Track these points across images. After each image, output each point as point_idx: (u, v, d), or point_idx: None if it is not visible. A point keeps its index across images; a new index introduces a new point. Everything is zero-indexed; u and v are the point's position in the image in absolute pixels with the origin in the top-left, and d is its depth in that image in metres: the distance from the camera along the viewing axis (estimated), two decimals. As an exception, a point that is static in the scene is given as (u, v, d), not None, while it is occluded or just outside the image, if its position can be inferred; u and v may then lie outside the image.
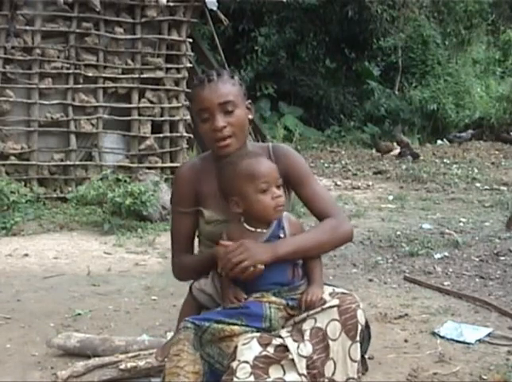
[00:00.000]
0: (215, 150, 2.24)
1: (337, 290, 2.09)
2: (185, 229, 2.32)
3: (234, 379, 1.89)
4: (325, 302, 2.02)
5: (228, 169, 2.14)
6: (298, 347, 1.95)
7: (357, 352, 1.98)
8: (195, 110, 2.25)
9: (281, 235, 2.12)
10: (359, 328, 1.98)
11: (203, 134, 2.23)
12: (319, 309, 2.02)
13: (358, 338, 1.98)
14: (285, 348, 1.96)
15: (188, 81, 8.26)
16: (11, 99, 7.34)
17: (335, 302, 2.00)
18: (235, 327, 1.99)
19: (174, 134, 8.11)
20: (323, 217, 2.22)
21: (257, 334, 1.98)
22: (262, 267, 2.03)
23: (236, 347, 1.94)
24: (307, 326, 2.00)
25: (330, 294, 2.06)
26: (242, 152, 2.20)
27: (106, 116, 7.77)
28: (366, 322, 2.08)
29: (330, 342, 1.96)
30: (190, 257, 2.34)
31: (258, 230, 2.12)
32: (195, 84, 2.26)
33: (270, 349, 1.94)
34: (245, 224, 2.13)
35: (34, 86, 7.41)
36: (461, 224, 6.56)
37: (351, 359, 1.97)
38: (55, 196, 7.43)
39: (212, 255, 2.15)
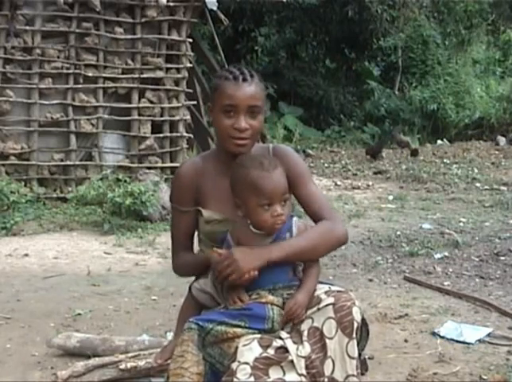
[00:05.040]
0: (227, 146, 2.20)
1: (333, 288, 2.09)
2: (184, 227, 2.31)
3: (234, 380, 1.88)
4: (321, 301, 2.02)
5: (239, 172, 2.10)
6: (297, 348, 1.95)
7: (354, 349, 1.97)
8: (219, 103, 2.18)
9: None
10: (355, 325, 1.97)
11: (220, 127, 2.19)
12: (315, 308, 2.02)
13: (354, 335, 1.97)
14: (285, 349, 1.95)
15: (187, 81, 8.27)
16: (11, 99, 7.34)
17: (331, 300, 2.00)
18: (238, 329, 1.98)
19: (174, 134, 8.10)
20: (318, 219, 2.20)
21: (258, 336, 1.98)
22: (255, 273, 2.01)
23: (237, 348, 1.94)
24: (305, 326, 2.00)
25: (325, 293, 2.05)
26: (259, 158, 2.14)
27: (106, 116, 7.77)
28: (364, 320, 2.08)
29: (327, 341, 1.96)
30: (190, 256, 2.33)
31: (263, 232, 2.10)
32: (226, 77, 2.18)
33: (271, 351, 1.94)
34: (251, 227, 2.12)
35: (34, 86, 7.41)
36: (461, 224, 6.56)
37: (348, 356, 1.97)
38: (55, 196, 7.42)
39: (209, 259, 2.15)
